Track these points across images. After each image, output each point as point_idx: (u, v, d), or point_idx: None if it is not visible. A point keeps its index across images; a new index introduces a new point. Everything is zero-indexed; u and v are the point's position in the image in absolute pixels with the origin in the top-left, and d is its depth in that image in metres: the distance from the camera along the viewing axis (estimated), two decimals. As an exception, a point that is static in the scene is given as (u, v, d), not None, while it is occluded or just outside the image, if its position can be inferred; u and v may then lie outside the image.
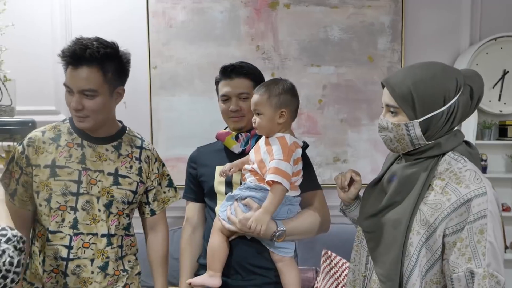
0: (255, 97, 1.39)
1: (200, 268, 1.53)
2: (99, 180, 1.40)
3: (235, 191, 1.40)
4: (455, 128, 1.15)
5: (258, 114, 1.39)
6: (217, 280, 1.35)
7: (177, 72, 2.51)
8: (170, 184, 1.60)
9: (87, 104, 1.32)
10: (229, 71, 1.50)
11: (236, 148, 1.50)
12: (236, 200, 1.37)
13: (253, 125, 1.41)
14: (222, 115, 1.55)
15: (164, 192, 1.57)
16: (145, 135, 2.51)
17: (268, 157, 1.34)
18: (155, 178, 1.53)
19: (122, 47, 2.51)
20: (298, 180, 1.41)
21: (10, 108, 2.16)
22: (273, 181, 1.29)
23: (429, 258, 1.08)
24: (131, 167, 1.45)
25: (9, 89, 2.11)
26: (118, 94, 1.41)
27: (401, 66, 2.50)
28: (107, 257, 1.40)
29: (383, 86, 1.15)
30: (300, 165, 1.40)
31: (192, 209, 1.60)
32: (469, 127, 2.40)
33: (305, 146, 1.44)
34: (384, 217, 1.14)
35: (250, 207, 1.34)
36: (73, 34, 2.45)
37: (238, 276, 1.40)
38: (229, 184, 1.48)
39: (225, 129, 1.60)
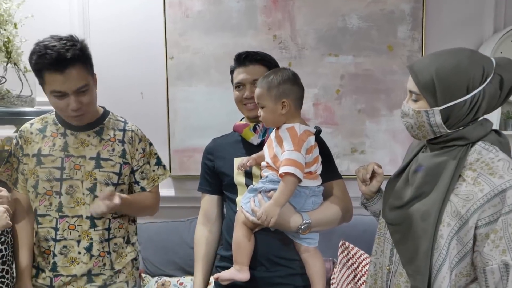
0: (256, 90, 1.38)
1: (221, 259, 1.53)
2: (82, 165, 1.48)
3: (258, 184, 1.39)
4: (482, 117, 1.11)
5: (262, 107, 1.37)
6: (246, 274, 1.35)
7: (193, 63, 2.50)
8: (159, 162, 1.65)
9: (85, 100, 1.41)
10: (243, 58, 1.50)
11: (255, 139, 1.49)
12: (260, 192, 1.36)
13: (260, 118, 1.40)
14: (236, 103, 1.54)
15: (153, 171, 1.62)
16: (162, 125, 2.55)
17: (280, 149, 1.33)
18: (141, 157, 1.58)
19: (139, 37, 2.54)
20: (318, 168, 1.39)
21: (30, 98, 2.19)
22: (285, 173, 1.28)
23: (460, 250, 1.06)
24: (113, 149, 1.52)
25: (29, 79, 2.14)
26: (95, 81, 1.49)
27: (422, 55, 2.44)
28: (91, 239, 1.48)
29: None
30: (315, 152, 1.37)
31: (209, 201, 1.59)
32: (492, 118, 2.32)
33: (318, 131, 1.41)
34: (411, 209, 1.11)
35: None
36: (91, 25, 2.49)
37: (263, 268, 1.40)
38: (249, 175, 1.47)
39: (241, 120, 1.59)
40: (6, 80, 2.09)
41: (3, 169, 1.56)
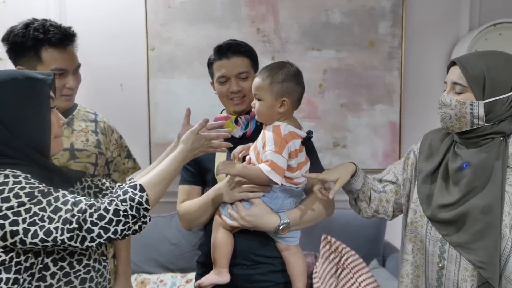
0: (257, 81, 1.31)
1: (203, 266, 1.47)
2: (55, 158, 1.38)
3: None
4: None
5: (258, 100, 1.31)
6: (226, 276, 1.32)
7: (175, 54, 2.45)
8: (129, 155, 1.63)
9: (79, 80, 1.45)
10: (225, 50, 1.42)
11: (237, 132, 1.44)
12: None
13: (253, 109, 1.34)
14: (220, 98, 1.48)
15: (124, 164, 1.60)
16: (142, 118, 2.48)
17: (262, 149, 1.29)
18: (115, 149, 1.56)
19: (119, 27, 2.46)
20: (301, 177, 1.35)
21: None
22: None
23: None
24: (87, 140, 1.46)
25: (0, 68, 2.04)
26: None
27: (402, 51, 2.50)
28: None
29: (450, 66, 1.21)
30: (301, 157, 1.32)
31: (190, 192, 1.48)
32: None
33: (308, 137, 1.35)
34: (466, 205, 1.16)
35: (253, 202, 1.31)
36: (68, 13, 2.39)
37: (243, 266, 1.37)
38: None
39: (221, 112, 1.55)
40: (-24, 68, 1.99)
41: None
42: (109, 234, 0.98)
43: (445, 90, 1.22)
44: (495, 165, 1.14)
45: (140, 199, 1.03)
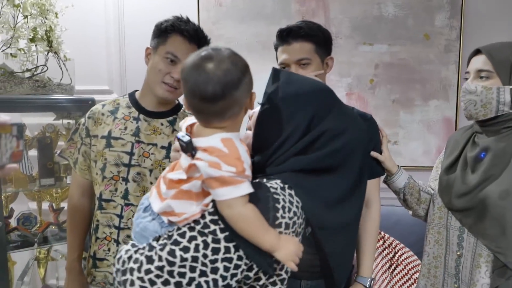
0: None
1: None
2: (152, 153, 1.40)
3: None
4: None
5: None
6: None
7: (226, 52, 2.50)
8: None
9: None
10: (285, 35, 1.34)
11: None
12: None
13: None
14: None
15: None
16: (194, 114, 2.56)
17: None
18: None
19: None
20: None
21: (70, 87, 2.25)
22: None
23: None
24: None
25: (68, 68, 2.19)
26: None
27: (460, 44, 2.37)
28: None
29: (474, 54, 1.21)
30: None
31: None
32: None
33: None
34: (483, 192, 1.17)
35: None
36: (125, 15, 2.52)
37: None
38: None
39: None
40: (48, 69, 2.15)
41: (66, 146, 1.51)
42: None
43: (466, 79, 1.23)
44: None
45: None
